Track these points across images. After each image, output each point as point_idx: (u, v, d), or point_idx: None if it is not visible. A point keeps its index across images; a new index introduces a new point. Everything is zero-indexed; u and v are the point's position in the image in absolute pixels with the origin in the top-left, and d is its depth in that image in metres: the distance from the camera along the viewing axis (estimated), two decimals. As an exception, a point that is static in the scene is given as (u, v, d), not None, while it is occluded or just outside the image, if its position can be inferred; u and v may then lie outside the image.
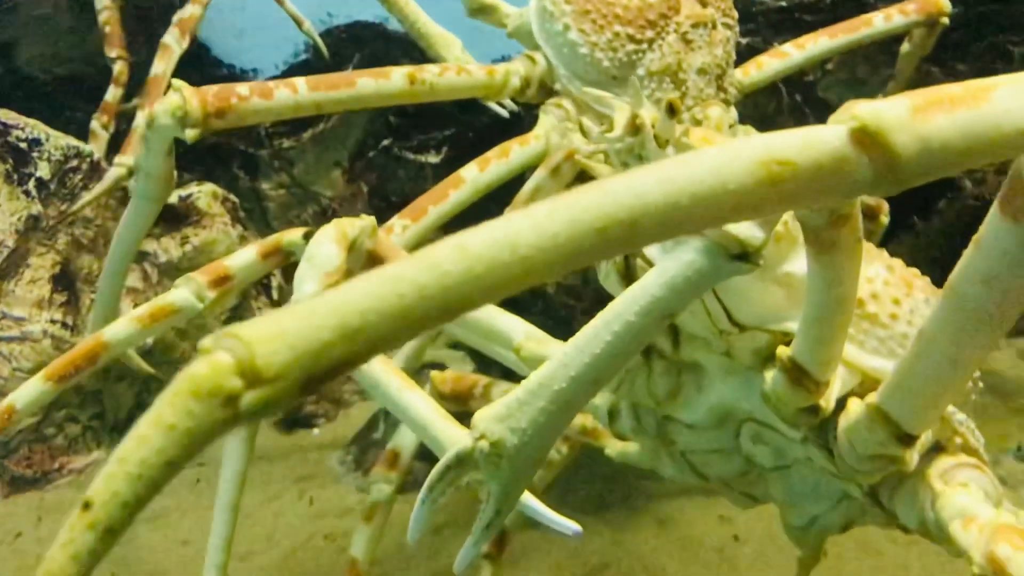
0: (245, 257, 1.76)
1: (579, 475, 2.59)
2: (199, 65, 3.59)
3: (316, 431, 3.04)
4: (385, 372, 1.36)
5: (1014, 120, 0.73)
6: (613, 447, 1.69)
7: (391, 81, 2.11)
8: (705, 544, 2.39)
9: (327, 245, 1.42)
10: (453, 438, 1.25)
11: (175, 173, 2.09)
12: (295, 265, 1.61)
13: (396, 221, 2.09)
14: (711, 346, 1.34)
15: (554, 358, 1.10)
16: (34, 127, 2.78)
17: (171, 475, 0.58)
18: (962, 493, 1.25)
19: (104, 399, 2.81)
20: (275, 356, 0.56)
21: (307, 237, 1.63)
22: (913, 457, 1.24)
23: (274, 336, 0.57)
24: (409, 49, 3.66)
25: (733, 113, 2.37)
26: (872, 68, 3.30)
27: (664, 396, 1.41)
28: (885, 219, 2.79)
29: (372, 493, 1.91)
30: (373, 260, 1.49)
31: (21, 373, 2.62)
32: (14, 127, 2.73)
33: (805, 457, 1.38)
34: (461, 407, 1.85)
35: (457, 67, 2.25)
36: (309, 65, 3.73)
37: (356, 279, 0.61)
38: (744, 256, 1.02)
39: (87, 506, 0.57)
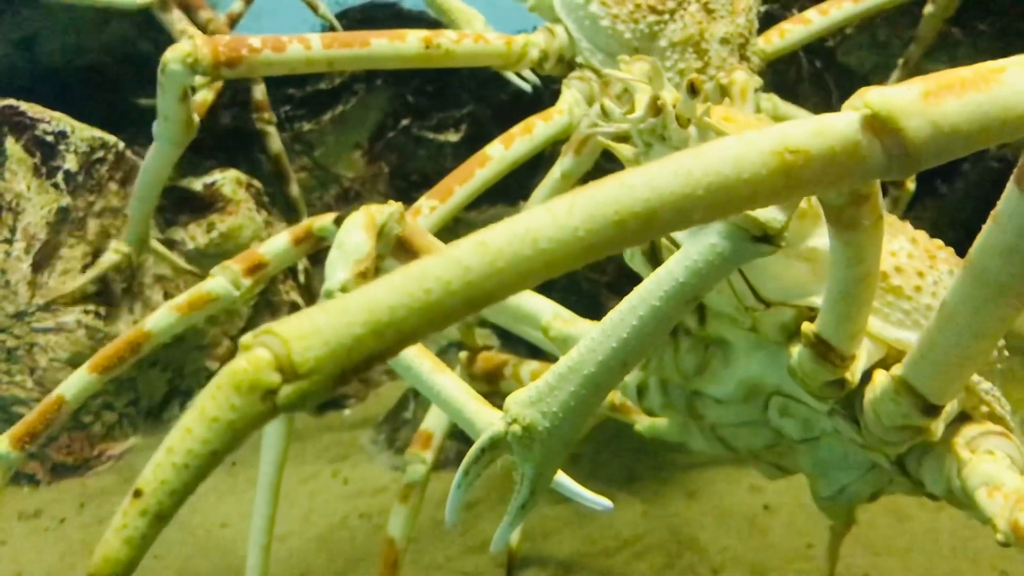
0: (278, 244, 1.79)
1: (608, 449, 2.62)
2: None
3: (347, 411, 3.09)
4: (417, 356, 1.38)
5: (1019, 101, 0.73)
6: (642, 423, 1.71)
7: (406, 44, 2.13)
8: (736, 514, 2.42)
9: (356, 232, 1.43)
10: (486, 420, 1.26)
11: (195, 118, 2.13)
12: (323, 250, 1.64)
13: (424, 202, 2.11)
14: (737, 322, 1.34)
15: (582, 342, 1.11)
16: (60, 120, 2.81)
17: (215, 464, 0.62)
18: (988, 461, 1.25)
19: (138, 386, 2.86)
20: (310, 352, 0.60)
21: (338, 222, 1.64)
22: (939, 427, 1.25)
23: (309, 333, 0.61)
24: (422, 28, 3.69)
25: (757, 81, 2.35)
26: (892, 31, 3.27)
27: (692, 372, 1.42)
28: (912, 186, 2.79)
29: (407, 473, 1.94)
30: (402, 246, 1.50)
31: (58, 363, 2.68)
32: (40, 121, 2.77)
33: (833, 429, 1.38)
34: (491, 387, 1.88)
35: (475, 35, 2.26)
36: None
37: (384, 277, 0.63)
38: (766, 238, 1.03)
39: (138, 494, 0.61)
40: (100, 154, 2.84)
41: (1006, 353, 1.39)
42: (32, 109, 2.80)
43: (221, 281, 1.79)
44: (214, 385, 0.61)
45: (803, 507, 2.30)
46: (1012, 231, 0.93)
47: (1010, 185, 0.93)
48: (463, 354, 1.96)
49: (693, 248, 1.04)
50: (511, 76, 3.01)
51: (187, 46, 1.96)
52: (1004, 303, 1.01)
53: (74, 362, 2.69)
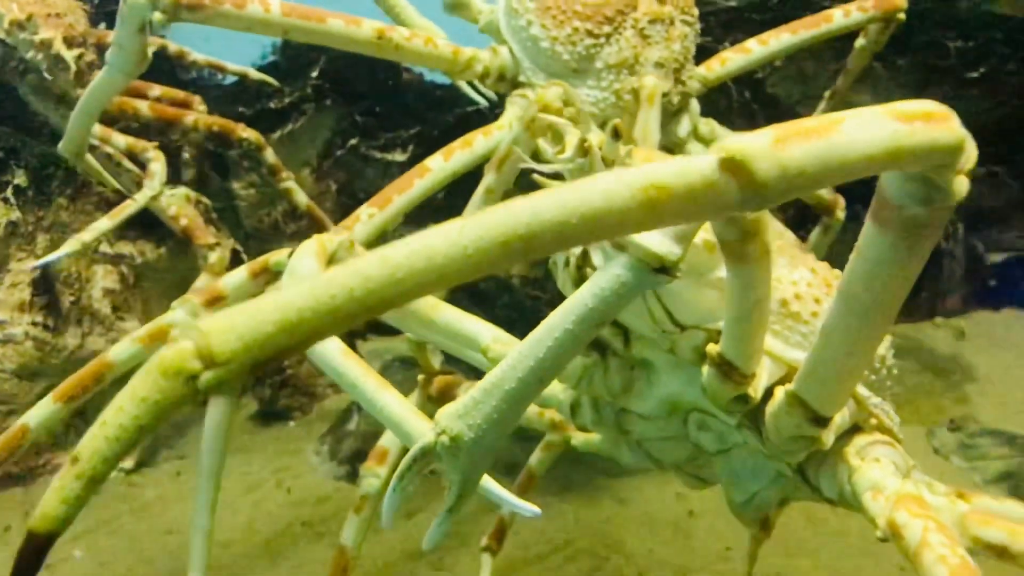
0: (237, 278, 1.84)
1: (544, 459, 2.72)
2: (170, 67, 3.68)
3: (292, 423, 3.16)
4: (363, 374, 1.47)
5: (859, 148, 0.86)
6: (577, 438, 1.83)
7: (361, 29, 2.20)
8: (662, 519, 2.54)
9: (308, 259, 1.50)
10: (420, 432, 1.35)
11: (148, 54, 2.14)
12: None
13: (363, 210, 2.17)
14: (657, 344, 1.45)
15: (504, 361, 1.20)
16: (11, 136, 2.86)
17: (142, 438, 0.74)
18: (874, 467, 1.39)
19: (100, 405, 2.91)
20: (228, 344, 0.72)
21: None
22: (829, 437, 1.37)
23: (227, 328, 0.72)
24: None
25: (695, 106, 2.49)
26: (819, 64, 3.45)
27: (619, 390, 1.53)
28: (841, 214, 2.92)
29: (362, 487, 2.00)
30: None
31: (4, 374, 2.73)
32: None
33: (743, 441, 1.50)
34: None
35: (426, 38, 2.33)
36: (277, 66, 3.83)
37: (295, 284, 0.75)
38: (664, 269, 1.12)
39: (75, 460, 0.73)
40: (50, 170, 2.91)
41: (895, 371, 1.52)
42: (-16, 125, 2.86)
43: (181, 314, 1.83)
44: (144, 369, 0.72)
45: (724, 513, 2.40)
46: (870, 261, 1.07)
47: (867, 221, 1.06)
48: (420, 377, 2.05)
49: (601, 277, 1.13)
50: (468, 90, 3.09)
51: None
52: (869, 325, 1.14)
53: (21, 373, 2.74)
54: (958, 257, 3.59)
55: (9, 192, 2.83)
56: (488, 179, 2.24)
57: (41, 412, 1.87)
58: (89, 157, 2.72)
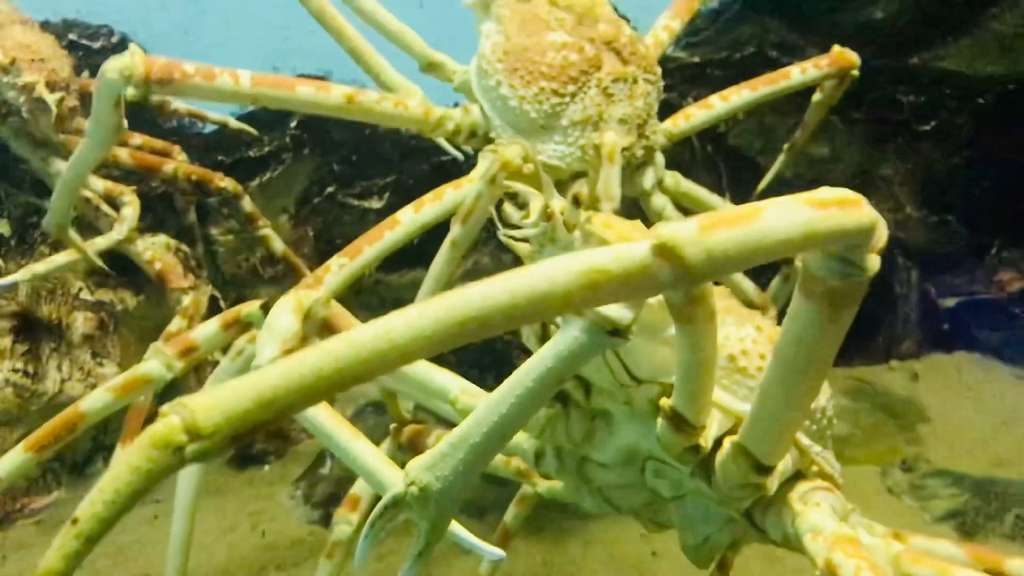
0: (209, 329, 1.87)
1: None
2: (151, 116, 3.77)
3: (267, 467, 3.22)
4: (337, 425, 1.54)
5: (778, 233, 0.96)
6: (542, 486, 1.91)
7: (330, 95, 2.28)
8: (627, 560, 2.62)
9: (285, 315, 1.57)
10: (391, 482, 1.41)
11: (124, 124, 2.18)
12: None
13: (334, 260, 2.24)
14: (616, 397, 1.54)
15: (471, 416, 1.28)
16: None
17: (135, 501, 0.83)
18: (815, 511, 1.48)
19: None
20: (211, 420, 0.81)
21: (264, 308, 1.76)
22: (773, 484, 1.47)
23: (211, 406, 0.82)
24: (351, 102, 3.90)
25: (660, 159, 2.58)
26: (779, 117, 3.59)
27: (581, 440, 1.61)
28: (799, 263, 3.03)
29: (334, 533, 2.05)
30: (327, 327, 1.63)
31: (-15, 420, 2.79)
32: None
33: (696, 488, 1.59)
34: (418, 454, 2.04)
35: (395, 100, 2.42)
36: (256, 116, 3.92)
37: (271, 365, 0.84)
38: (617, 332, 1.21)
39: (75, 521, 0.82)
40: (32, 219, 2.98)
41: (835, 421, 1.62)
42: (-32, 177, 2.94)
43: (155, 364, 1.87)
44: (138, 441, 0.81)
45: (687, 554, 2.52)
46: (799, 326, 1.17)
47: (795, 291, 1.16)
48: (392, 426, 2.12)
49: (560, 339, 1.22)
50: (444, 144, 3.18)
51: (126, 59, 2.05)
52: (802, 381, 1.25)
53: (2, 419, 2.79)
54: (912, 302, 3.74)
55: (-9, 241, 2.89)
56: (454, 231, 2.32)
57: (12, 461, 1.88)
58: (72, 232, 2.78)
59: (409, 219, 2.28)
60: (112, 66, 2.05)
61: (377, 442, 1.75)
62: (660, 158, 2.59)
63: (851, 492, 2.80)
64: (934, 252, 3.71)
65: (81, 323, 3.06)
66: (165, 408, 0.80)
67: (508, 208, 1.62)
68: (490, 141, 2.47)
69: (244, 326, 1.85)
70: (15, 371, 2.86)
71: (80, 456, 3.01)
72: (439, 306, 0.86)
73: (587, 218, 1.46)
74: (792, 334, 1.19)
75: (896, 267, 3.73)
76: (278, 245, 3.36)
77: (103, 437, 3.05)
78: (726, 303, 1.61)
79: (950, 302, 3.76)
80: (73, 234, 2.81)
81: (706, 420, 1.46)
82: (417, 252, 2.50)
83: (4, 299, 2.89)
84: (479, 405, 1.30)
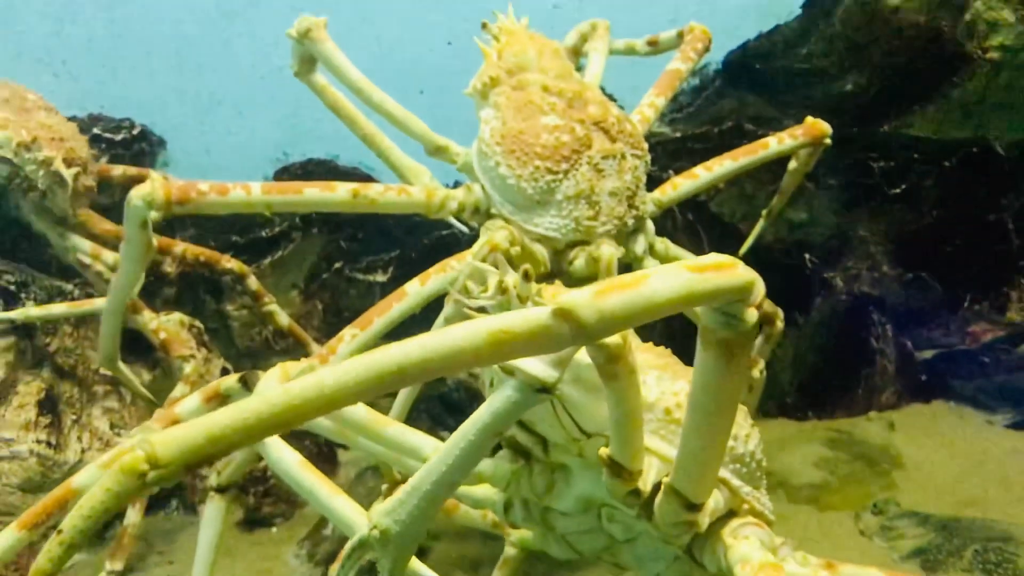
0: (191, 404, 2.00)
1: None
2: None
3: (274, 529, 3.38)
4: (318, 482, 1.70)
5: (662, 295, 1.13)
6: (514, 536, 2.05)
7: (336, 193, 2.48)
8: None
9: (274, 384, 1.75)
10: (359, 525, 1.56)
11: (153, 243, 2.40)
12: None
13: (346, 331, 2.40)
14: (570, 450, 1.70)
15: (422, 467, 1.44)
16: (21, 271, 3.18)
17: (107, 516, 1.03)
18: (744, 543, 1.63)
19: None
20: (168, 452, 1.01)
21: (242, 381, 1.93)
22: (703, 520, 1.61)
23: (168, 441, 1.02)
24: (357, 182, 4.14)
25: (650, 226, 2.74)
26: (758, 184, 3.78)
27: (543, 491, 1.77)
28: (780, 324, 3.15)
29: None
30: None
31: (10, 488, 2.97)
32: (4, 272, 3.14)
33: (644, 529, 1.74)
34: None
35: (399, 188, 2.60)
36: (268, 198, 4.16)
37: (220, 410, 1.02)
38: (544, 389, 1.33)
39: (59, 532, 1.03)
40: (56, 301, 3.21)
41: (764, 463, 1.77)
42: (3, 264, 3.18)
43: (140, 440, 2.06)
44: (112, 469, 1.01)
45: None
46: (702, 373, 1.33)
47: (697, 342, 1.32)
48: (385, 486, 2.26)
49: (495, 397, 1.38)
50: (453, 220, 3.37)
51: (147, 187, 2.27)
52: (714, 422, 1.41)
53: (25, 487, 2.98)
54: (889, 355, 3.87)
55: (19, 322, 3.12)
56: (447, 310, 2.49)
57: (6, 540, 1.92)
58: (121, 365, 3.02)
59: (415, 291, 2.44)
60: (136, 194, 2.28)
61: (375, 500, 1.90)
62: (650, 225, 2.76)
63: (826, 535, 2.94)
64: (910, 307, 3.86)
65: (100, 396, 3.27)
66: (132, 442, 0.99)
67: (469, 283, 1.80)
68: (491, 216, 2.63)
69: (224, 399, 1.99)
70: (39, 442, 3.06)
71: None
72: (363, 361, 1.05)
73: (538, 290, 1.63)
74: (699, 381, 1.35)
75: (873, 322, 3.87)
76: (283, 319, 3.56)
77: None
78: (664, 360, 1.78)
79: (927, 354, 3.90)
80: (123, 367, 3.05)
81: (641, 466, 1.61)
82: (423, 319, 2.66)
83: (30, 375, 3.11)
84: (431, 457, 1.44)
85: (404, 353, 1.05)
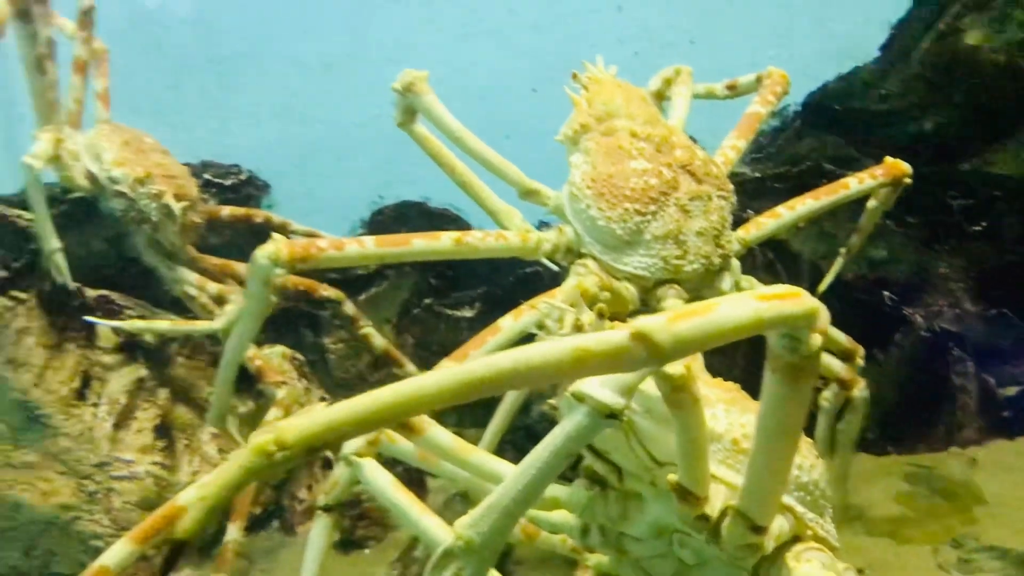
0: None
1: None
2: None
3: (367, 551, 3.55)
4: (409, 501, 1.88)
5: (731, 321, 1.25)
6: (591, 560, 2.16)
7: (440, 242, 2.62)
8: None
9: None
10: (443, 538, 1.67)
11: (273, 299, 2.54)
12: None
13: (444, 362, 2.51)
14: (643, 479, 1.76)
15: (502, 484, 1.53)
16: (141, 307, 3.45)
17: (240, 488, 1.18)
18: (807, 567, 1.71)
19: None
20: (292, 436, 1.16)
21: None
22: (768, 543, 1.70)
23: (293, 428, 1.17)
24: (446, 223, 4.34)
25: (736, 265, 2.82)
26: (837, 222, 3.83)
27: (617, 517, 1.84)
28: (861, 361, 3.16)
29: None
30: (402, 423, 1.96)
31: (129, 505, 3.21)
32: (126, 307, 3.42)
33: (713, 554, 1.81)
34: None
35: (496, 234, 2.74)
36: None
37: (338, 404, 1.18)
38: (612, 415, 1.41)
39: (203, 498, 1.19)
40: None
41: (828, 492, 1.84)
42: (119, 297, 3.46)
43: None
44: (244, 449, 1.17)
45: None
46: (769, 397, 1.42)
47: (765, 368, 1.43)
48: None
49: (567, 422, 1.46)
50: (544, 260, 3.49)
51: (271, 246, 2.40)
52: (779, 445, 1.49)
53: (143, 505, 3.22)
54: (971, 391, 3.85)
55: (138, 353, 3.39)
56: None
57: (118, 552, 2.02)
58: (230, 425, 3.23)
59: (509, 326, 2.53)
60: (262, 253, 2.43)
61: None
62: (736, 264, 2.83)
63: (903, 568, 2.95)
64: (992, 343, 3.84)
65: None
66: (264, 428, 1.17)
67: (547, 322, 1.93)
68: (582, 256, 2.74)
69: None
70: (155, 464, 3.30)
71: (207, 537, 3.40)
72: (461, 369, 1.20)
73: (608, 327, 1.75)
74: (766, 404, 1.44)
75: (954, 359, 3.86)
76: (378, 341, 3.75)
77: (226, 521, 3.43)
78: (732, 395, 1.87)
79: (1010, 391, 3.86)
80: (231, 426, 3.26)
81: (708, 492, 1.69)
82: None
83: (148, 403, 3.36)
84: (509, 476, 1.54)
85: (498, 363, 1.20)
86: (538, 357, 1.21)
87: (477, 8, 4.24)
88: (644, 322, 1.24)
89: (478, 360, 1.19)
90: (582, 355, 1.22)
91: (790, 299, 1.29)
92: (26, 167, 3.16)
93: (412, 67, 3.07)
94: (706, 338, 1.25)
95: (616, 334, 1.24)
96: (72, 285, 3.26)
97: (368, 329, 3.74)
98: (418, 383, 1.19)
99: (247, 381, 3.55)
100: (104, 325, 3.27)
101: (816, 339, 1.32)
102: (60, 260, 3.25)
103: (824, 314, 1.32)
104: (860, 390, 3.08)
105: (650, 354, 1.23)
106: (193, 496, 2.29)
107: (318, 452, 1.18)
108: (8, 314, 3.11)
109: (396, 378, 3.62)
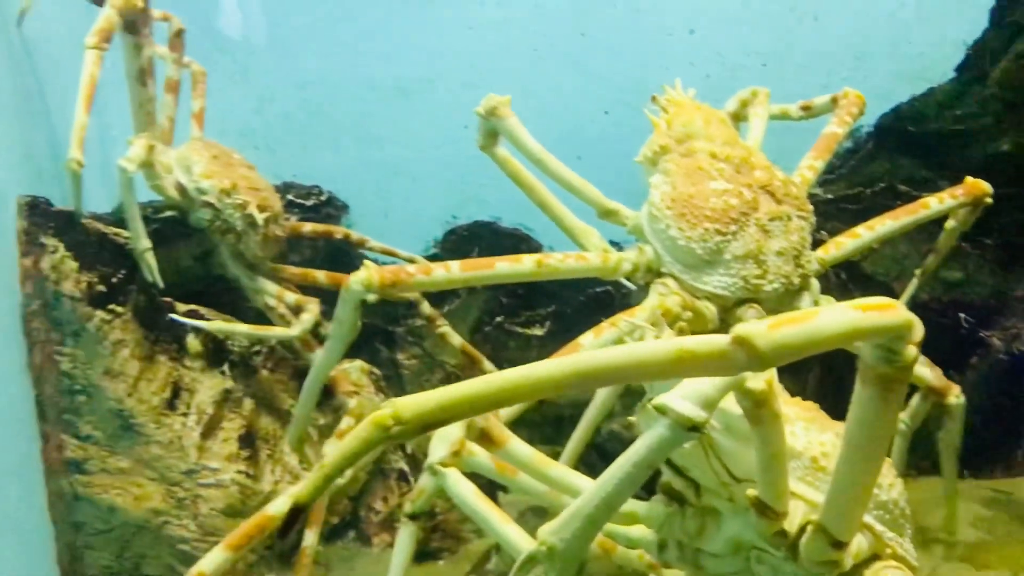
0: None
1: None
2: (348, 260, 4.41)
3: (441, 562, 3.62)
4: (490, 509, 1.95)
5: (829, 330, 1.29)
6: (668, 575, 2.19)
7: (523, 265, 2.68)
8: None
9: (452, 424, 1.90)
10: (527, 544, 1.77)
11: (359, 324, 2.68)
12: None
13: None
14: (720, 495, 1.81)
15: (584, 493, 1.59)
16: (226, 319, 3.58)
17: (358, 457, 1.27)
18: (885, 583, 1.73)
19: (272, 532, 3.47)
20: (409, 413, 1.24)
21: None
22: (847, 560, 1.72)
23: (409, 404, 1.25)
24: (517, 242, 4.42)
25: (815, 284, 2.83)
26: (911, 245, 3.82)
27: (694, 533, 1.88)
28: (956, 399, 3.06)
29: None
30: (484, 435, 2.05)
31: (215, 512, 3.33)
32: (212, 320, 3.55)
33: (790, 572, 1.82)
34: None
35: (576, 255, 2.79)
36: (438, 257, 4.48)
37: (452, 386, 1.25)
38: (694, 428, 1.46)
39: (323, 467, 1.28)
40: (256, 348, 3.60)
41: (908, 511, 1.85)
42: (207, 311, 3.59)
43: None
44: (364, 422, 1.25)
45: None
46: (859, 408, 1.46)
47: (856, 379, 1.46)
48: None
49: (650, 434, 1.52)
50: (624, 280, 3.53)
51: (364, 273, 2.54)
52: (865, 458, 1.53)
53: (228, 512, 3.33)
54: (1052, 416, 3.79)
55: (225, 366, 3.52)
56: None
57: (215, 559, 2.23)
58: (308, 452, 3.33)
59: (589, 343, 2.55)
60: (355, 279, 2.57)
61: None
62: (815, 284, 2.84)
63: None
64: (1075, 367, 3.78)
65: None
66: (385, 404, 1.26)
67: (627, 340, 1.98)
68: (661, 275, 2.77)
69: None
70: (240, 472, 3.41)
71: (288, 545, 3.50)
72: (569, 361, 1.26)
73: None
74: (855, 417, 1.48)
75: (1034, 383, 3.81)
76: (455, 340, 3.84)
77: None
78: (812, 414, 1.90)
79: (1098, 417, 3.79)
80: (309, 452, 3.35)
81: (787, 507, 1.73)
82: None
83: (233, 413, 3.48)
84: (593, 483, 1.60)
85: (604, 357, 1.26)
86: (643, 354, 1.27)
87: (549, 33, 4.33)
88: (745, 327, 1.28)
89: (586, 352, 1.25)
90: (684, 355, 1.27)
91: (887, 310, 1.32)
92: (120, 169, 3.31)
93: (485, 91, 3.15)
94: (804, 345, 1.29)
95: (718, 338, 1.29)
96: (161, 283, 3.39)
97: (445, 328, 3.83)
98: (527, 371, 1.25)
99: (324, 395, 3.66)
100: (190, 324, 3.40)
101: (911, 351, 1.35)
102: (150, 259, 3.38)
103: (919, 328, 1.35)
104: (956, 396, 3.04)
105: (750, 359, 1.28)
106: (281, 505, 2.41)
107: (431, 429, 1.25)
108: (106, 327, 3.24)
109: (475, 366, 3.71)
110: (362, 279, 2.55)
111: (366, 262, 2.58)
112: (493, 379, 1.25)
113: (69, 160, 3.14)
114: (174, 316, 3.42)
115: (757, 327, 1.28)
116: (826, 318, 1.30)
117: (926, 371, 2.98)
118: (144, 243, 3.37)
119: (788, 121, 3.49)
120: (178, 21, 3.70)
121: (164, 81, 3.71)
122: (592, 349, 2.56)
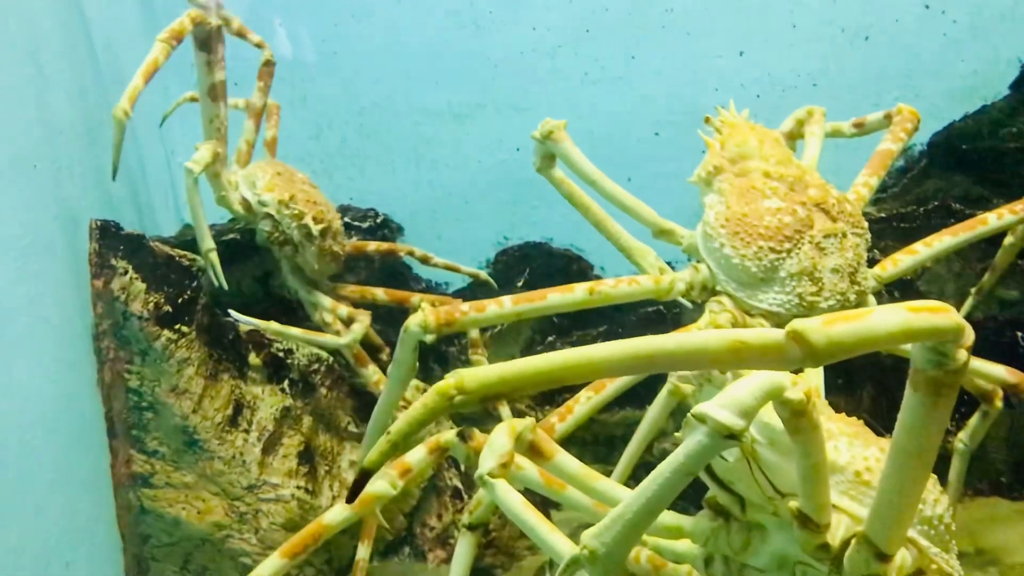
0: (418, 454, 2.30)
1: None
2: (403, 280, 4.51)
3: (495, 579, 3.66)
4: (538, 520, 1.90)
5: (881, 328, 1.32)
6: (713, 591, 2.20)
7: (574, 294, 2.72)
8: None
9: (501, 437, 1.98)
10: (569, 549, 1.74)
11: (417, 365, 2.76)
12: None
13: (582, 393, 2.69)
14: (765, 509, 1.81)
15: (626, 498, 1.60)
16: (288, 341, 3.69)
17: (423, 425, 1.36)
18: (932, 599, 1.73)
19: (331, 548, 3.54)
20: (471, 383, 1.33)
21: (460, 436, 2.19)
22: (892, 574, 1.71)
23: (473, 376, 1.34)
24: (568, 262, 4.48)
25: (872, 302, 2.83)
26: (966, 262, 3.79)
27: (740, 547, 1.89)
28: (999, 404, 3.11)
29: None
30: (532, 448, 2.06)
31: (275, 526, 3.41)
32: (275, 341, 3.65)
33: None
34: None
35: (628, 279, 2.83)
36: (491, 277, 4.54)
37: (512, 361, 1.30)
38: (732, 436, 1.45)
39: (388, 433, 1.38)
40: (315, 367, 3.70)
41: (953, 527, 1.85)
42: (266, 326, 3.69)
43: (381, 483, 2.29)
44: (430, 392, 1.33)
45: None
46: (908, 414, 1.48)
47: (907, 385, 1.48)
48: None
49: (689, 441, 1.51)
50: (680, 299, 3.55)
51: (420, 316, 2.60)
52: (913, 466, 1.54)
53: (288, 526, 3.41)
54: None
55: (285, 384, 3.61)
56: (670, 380, 2.69)
57: (271, 566, 2.31)
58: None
59: None
60: (413, 321, 2.63)
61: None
62: (872, 300, 2.85)
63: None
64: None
65: (348, 451, 3.69)
66: (450, 375, 1.34)
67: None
68: (716, 294, 2.81)
69: (443, 451, 2.29)
70: (299, 488, 3.49)
71: (344, 561, 3.56)
72: (627, 344, 1.31)
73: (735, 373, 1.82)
74: (903, 422, 1.49)
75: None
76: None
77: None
78: (855, 429, 1.91)
79: None
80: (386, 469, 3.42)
81: (829, 519, 1.73)
82: (628, 393, 2.85)
83: (293, 430, 3.57)
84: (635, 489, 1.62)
85: (661, 342, 1.32)
86: (700, 342, 1.31)
87: (600, 56, 4.40)
88: (801, 323, 1.33)
89: (646, 339, 1.30)
90: (739, 347, 1.32)
91: (940, 312, 1.35)
92: (187, 171, 3.45)
93: (537, 114, 3.23)
94: (858, 342, 1.33)
95: (774, 331, 1.33)
96: (225, 284, 3.51)
97: (477, 357, 3.86)
98: (586, 351, 1.31)
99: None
100: (246, 323, 3.50)
101: (962, 354, 1.37)
102: (214, 258, 3.50)
103: (970, 331, 1.37)
104: (999, 400, 3.05)
105: (804, 353, 1.32)
106: (336, 515, 2.47)
107: (491, 400, 1.31)
108: (172, 346, 3.35)
109: (520, 413, 3.79)
110: (419, 322, 2.63)
111: (423, 304, 2.67)
112: (554, 357, 1.31)
113: (117, 108, 3.20)
114: (232, 312, 3.52)
115: (812, 323, 1.32)
116: (879, 317, 1.34)
117: (999, 369, 2.93)
118: (209, 243, 3.50)
119: (841, 138, 3.50)
120: (269, 51, 3.84)
121: (245, 105, 3.88)
122: None
